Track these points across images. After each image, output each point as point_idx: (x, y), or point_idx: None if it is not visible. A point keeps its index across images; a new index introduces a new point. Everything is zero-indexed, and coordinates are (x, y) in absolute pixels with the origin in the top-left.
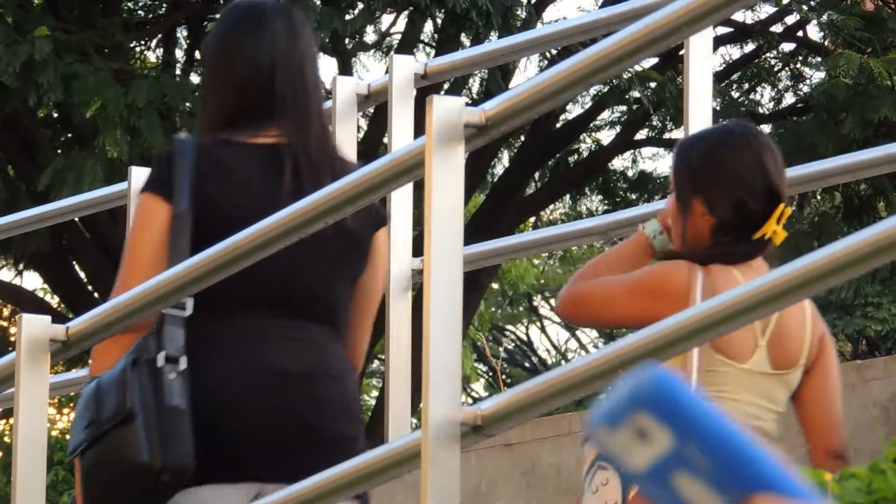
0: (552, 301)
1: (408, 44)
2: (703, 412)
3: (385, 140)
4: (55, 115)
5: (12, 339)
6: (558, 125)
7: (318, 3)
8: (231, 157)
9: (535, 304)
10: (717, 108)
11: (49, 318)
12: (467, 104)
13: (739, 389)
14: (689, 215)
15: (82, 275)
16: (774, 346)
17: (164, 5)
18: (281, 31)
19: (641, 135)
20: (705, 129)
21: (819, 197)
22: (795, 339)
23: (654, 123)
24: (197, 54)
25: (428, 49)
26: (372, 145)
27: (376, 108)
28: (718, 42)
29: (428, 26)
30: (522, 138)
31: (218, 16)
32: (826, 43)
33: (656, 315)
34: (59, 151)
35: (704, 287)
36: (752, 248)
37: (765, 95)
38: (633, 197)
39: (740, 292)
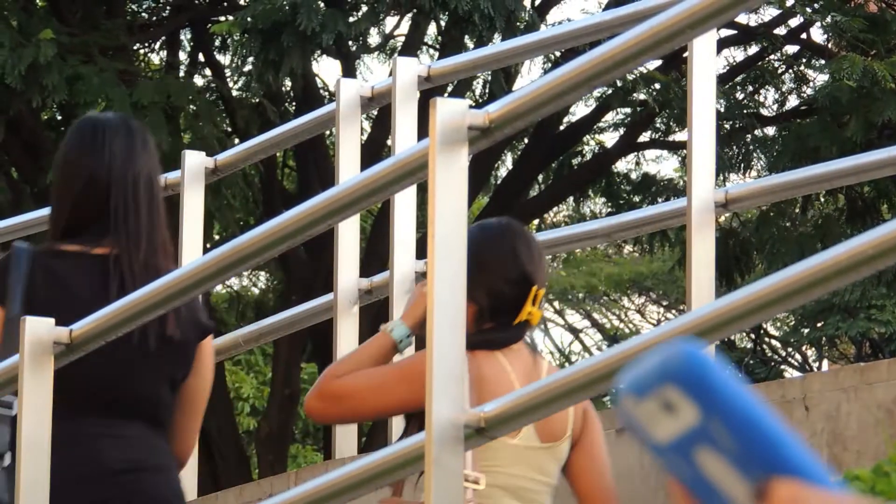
0: (556, 303)
1: (411, 46)
2: (732, 390)
3: (388, 142)
4: (59, 117)
5: None
6: (562, 127)
7: (322, 5)
8: (63, 266)
9: None
10: (721, 110)
11: (52, 320)
12: (471, 106)
13: (512, 464)
14: None
15: None
16: (541, 419)
17: (168, 8)
18: (118, 151)
19: (645, 137)
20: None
21: (823, 199)
22: (560, 412)
23: (658, 125)
24: (201, 56)
25: (431, 51)
26: (375, 147)
27: (380, 110)
28: (722, 44)
29: (431, 29)
30: (526, 140)
31: (222, 18)
32: (830, 45)
33: (424, 401)
34: None
35: (472, 372)
36: (514, 333)
37: (768, 98)
38: (637, 199)
39: (742, 295)
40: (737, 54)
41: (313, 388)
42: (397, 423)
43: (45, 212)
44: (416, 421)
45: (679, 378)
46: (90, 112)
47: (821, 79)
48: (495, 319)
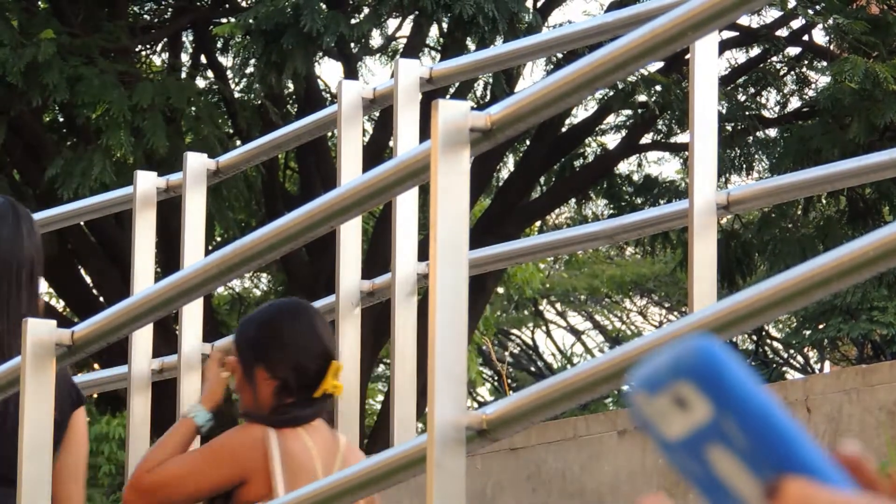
0: (558, 305)
1: (413, 48)
2: (746, 388)
3: (390, 144)
4: (60, 119)
5: None
6: (564, 129)
7: (325, 7)
8: None
9: (540, 308)
10: (723, 111)
11: (54, 322)
12: (473, 108)
13: None
14: (255, 382)
15: (88, 279)
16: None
17: (170, 9)
18: (6, 236)
19: (647, 139)
20: (261, 306)
21: (824, 201)
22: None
23: (660, 127)
24: (203, 58)
25: (433, 53)
26: (377, 149)
27: (382, 111)
28: (724, 46)
29: (433, 30)
30: (528, 142)
31: (224, 20)
32: (831, 47)
33: (238, 479)
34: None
35: (280, 449)
36: (315, 409)
37: (770, 99)
38: (639, 201)
39: (744, 297)
40: (739, 56)
41: (129, 483)
42: (398, 425)
43: (46, 214)
44: (220, 502)
45: (692, 374)
46: None
47: (823, 81)
48: (299, 394)
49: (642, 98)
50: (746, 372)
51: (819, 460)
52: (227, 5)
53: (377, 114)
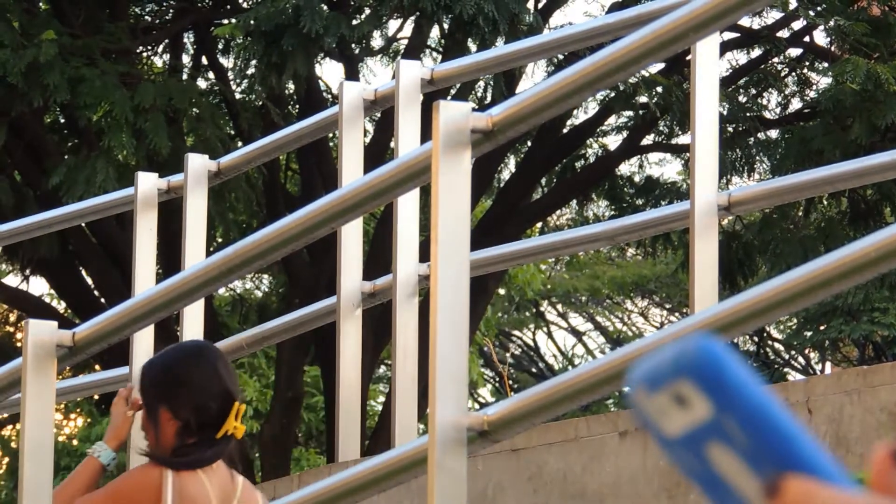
0: (559, 306)
1: (414, 49)
2: (746, 386)
3: (392, 145)
4: (62, 120)
5: (19, 344)
6: (565, 130)
7: (326, 8)
8: None
9: (541, 309)
10: (724, 112)
11: (56, 323)
12: (474, 109)
13: None
14: (158, 423)
15: (89, 280)
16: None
17: (171, 11)
18: None
19: (648, 140)
20: (165, 348)
21: (826, 202)
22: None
23: (661, 128)
24: (204, 59)
25: (435, 54)
26: (378, 150)
27: (383, 113)
28: (725, 47)
29: (435, 32)
30: (529, 143)
31: (225, 21)
32: (833, 48)
33: None
34: (66, 157)
35: (174, 489)
36: (216, 450)
37: (771, 100)
38: (640, 202)
39: (745, 298)
40: (740, 57)
41: None
42: (400, 426)
43: (48, 215)
44: None
45: (693, 372)
46: None
47: (824, 82)
48: (201, 434)
49: (643, 99)
50: (747, 371)
51: (820, 459)
52: (227, 6)
53: (378, 115)
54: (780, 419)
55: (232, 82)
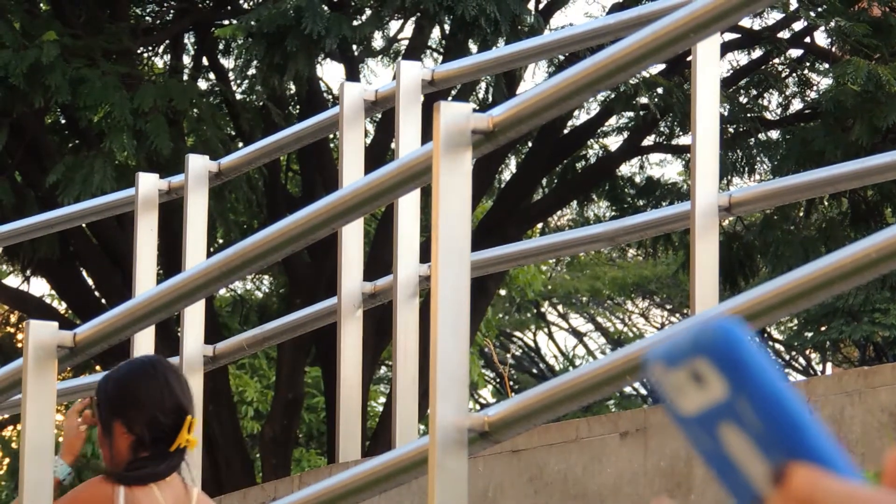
0: (560, 307)
1: (415, 50)
2: (762, 370)
3: (392, 146)
4: (62, 121)
5: (20, 345)
6: (566, 131)
7: (326, 8)
8: None
9: (542, 310)
10: (725, 113)
11: (56, 324)
12: (475, 110)
13: None
14: (112, 437)
15: (89, 281)
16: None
17: (172, 12)
18: None
19: (649, 141)
20: (119, 364)
21: (826, 203)
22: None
23: (662, 129)
24: (204, 60)
25: (435, 55)
26: (379, 151)
27: (384, 114)
28: (726, 48)
29: (435, 32)
30: (530, 144)
31: (225, 22)
32: (833, 49)
33: None
34: (64, 160)
35: (127, 502)
36: (170, 463)
37: (772, 101)
38: (641, 203)
39: (746, 299)
40: (740, 58)
41: None
42: (400, 426)
43: (48, 216)
44: None
45: (711, 351)
46: None
47: (825, 83)
48: (155, 448)
49: (644, 100)
50: (765, 356)
51: (828, 450)
52: (228, 7)
53: (379, 116)
54: (794, 407)
55: (232, 83)
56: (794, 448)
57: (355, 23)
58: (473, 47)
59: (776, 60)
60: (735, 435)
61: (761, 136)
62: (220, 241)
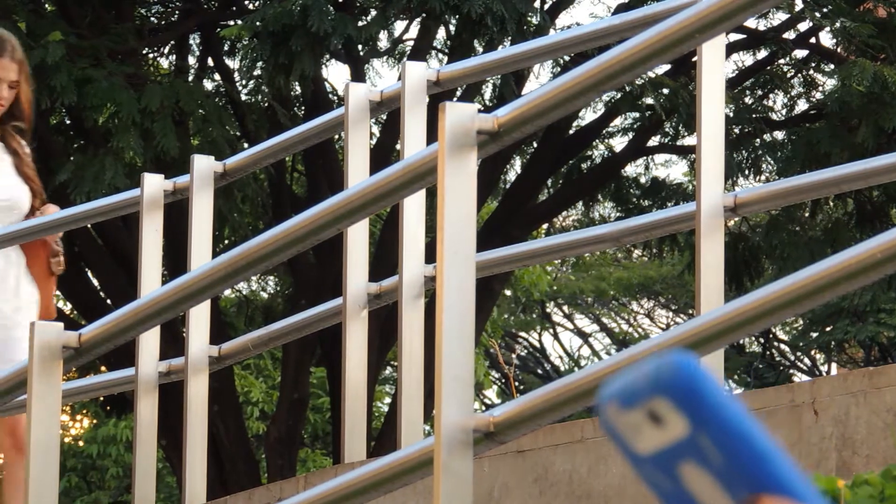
0: (565, 308)
1: (421, 50)
2: (724, 406)
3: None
4: (68, 121)
5: None
6: (571, 132)
7: (332, 9)
8: None
9: (547, 310)
10: (730, 114)
11: (62, 325)
12: (480, 111)
13: None
14: None
15: (95, 282)
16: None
17: (177, 12)
18: None
19: (654, 141)
20: None
21: (832, 203)
22: None
23: (667, 130)
24: (209, 60)
25: (441, 56)
26: (384, 152)
27: (389, 114)
28: (731, 49)
29: (441, 33)
30: (535, 145)
31: (231, 22)
32: (839, 50)
33: None
34: (72, 158)
35: None
36: None
37: (777, 102)
38: (646, 203)
39: (751, 300)
40: (746, 59)
41: None
42: (406, 427)
43: (54, 216)
44: None
45: (670, 391)
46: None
47: (830, 83)
48: None
49: (650, 101)
50: (725, 390)
51: (795, 480)
52: (234, 7)
53: (384, 116)
54: (757, 439)
55: (238, 83)
56: (759, 480)
57: (360, 23)
58: (479, 48)
59: (781, 61)
60: (696, 473)
61: (767, 136)
62: (227, 241)
